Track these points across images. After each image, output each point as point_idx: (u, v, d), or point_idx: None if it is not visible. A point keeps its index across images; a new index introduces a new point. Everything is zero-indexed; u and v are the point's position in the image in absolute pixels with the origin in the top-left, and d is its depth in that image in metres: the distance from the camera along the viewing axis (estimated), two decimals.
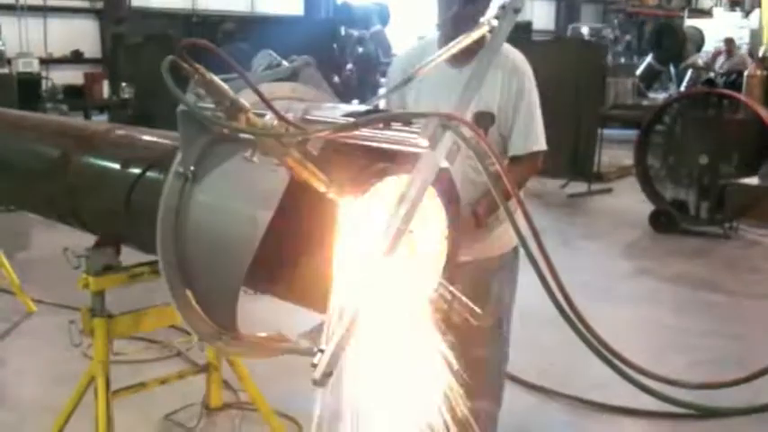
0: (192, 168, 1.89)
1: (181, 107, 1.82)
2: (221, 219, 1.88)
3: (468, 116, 2.86)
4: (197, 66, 1.67)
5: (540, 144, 3.05)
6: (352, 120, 1.67)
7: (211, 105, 1.73)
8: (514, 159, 3.04)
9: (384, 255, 1.45)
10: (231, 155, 1.82)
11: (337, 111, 1.99)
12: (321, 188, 1.67)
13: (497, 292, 3.15)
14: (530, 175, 3.14)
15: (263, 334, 2.15)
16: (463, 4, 2.79)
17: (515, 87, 2.95)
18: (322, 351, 1.42)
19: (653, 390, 3.82)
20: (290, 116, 1.70)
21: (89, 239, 2.78)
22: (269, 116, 1.70)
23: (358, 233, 1.71)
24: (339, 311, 1.48)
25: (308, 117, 1.75)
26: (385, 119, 1.63)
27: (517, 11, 1.92)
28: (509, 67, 2.96)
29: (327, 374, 1.38)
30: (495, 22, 1.96)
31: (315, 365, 1.40)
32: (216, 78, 1.69)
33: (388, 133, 1.63)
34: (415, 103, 2.98)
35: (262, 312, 2.36)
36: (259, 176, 1.74)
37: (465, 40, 2.11)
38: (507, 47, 2.96)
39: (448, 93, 2.66)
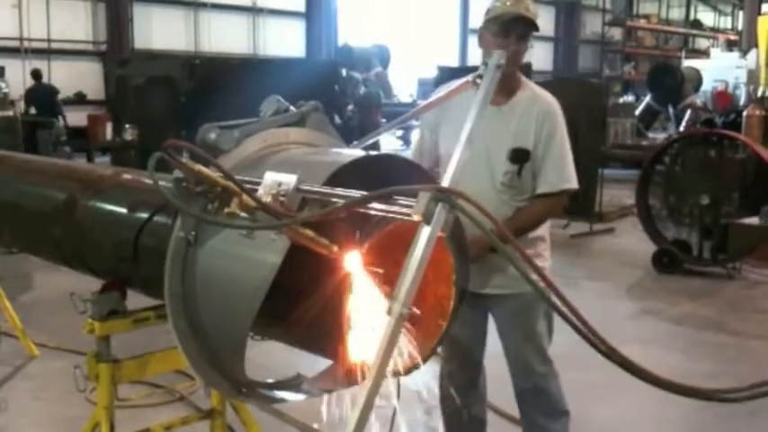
0: (192, 233, 1.90)
1: (176, 174, 1.83)
2: (229, 269, 1.88)
3: (506, 152, 3.11)
4: (183, 161, 1.68)
5: (572, 183, 3.21)
6: (344, 201, 1.66)
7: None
8: (543, 195, 3.19)
9: (389, 340, 1.43)
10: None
11: (341, 156, 2.01)
12: (322, 251, 1.69)
13: (538, 327, 3.31)
14: (555, 211, 3.34)
15: (271, 380, 2.14)
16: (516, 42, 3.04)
17: (547, 128, 3.15)
18: None
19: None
20: (282, 188, 1.71)
21: (92, 282, 2.77)
22: (262, 191, 1.71)
23: (361, 286, 1.73)
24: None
25: (301, 187, 1.74)
26: (378, 196, 1.61)
27: (499, 67, 2.08)
28: (543, 109, 3.17)
29: None
30: (479, 81, 2.11)
31: None
32: (203, 168, 1.70)
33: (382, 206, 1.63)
34: (446, 133, 3.15)
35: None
36: (260, 243, 1.76)
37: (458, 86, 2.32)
38: (541, 90, 3.25)
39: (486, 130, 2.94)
